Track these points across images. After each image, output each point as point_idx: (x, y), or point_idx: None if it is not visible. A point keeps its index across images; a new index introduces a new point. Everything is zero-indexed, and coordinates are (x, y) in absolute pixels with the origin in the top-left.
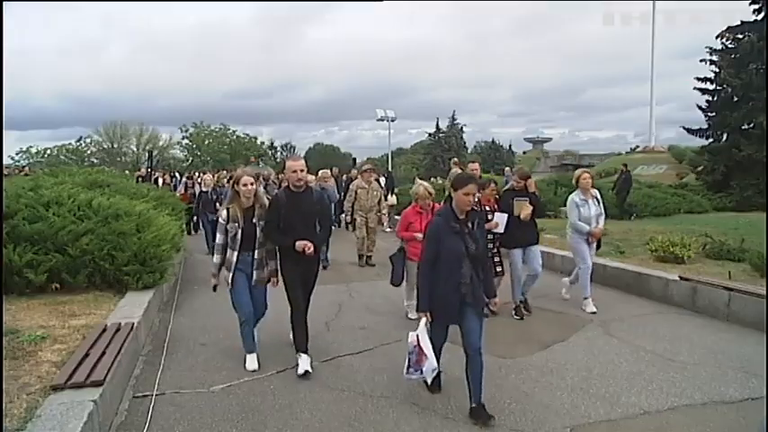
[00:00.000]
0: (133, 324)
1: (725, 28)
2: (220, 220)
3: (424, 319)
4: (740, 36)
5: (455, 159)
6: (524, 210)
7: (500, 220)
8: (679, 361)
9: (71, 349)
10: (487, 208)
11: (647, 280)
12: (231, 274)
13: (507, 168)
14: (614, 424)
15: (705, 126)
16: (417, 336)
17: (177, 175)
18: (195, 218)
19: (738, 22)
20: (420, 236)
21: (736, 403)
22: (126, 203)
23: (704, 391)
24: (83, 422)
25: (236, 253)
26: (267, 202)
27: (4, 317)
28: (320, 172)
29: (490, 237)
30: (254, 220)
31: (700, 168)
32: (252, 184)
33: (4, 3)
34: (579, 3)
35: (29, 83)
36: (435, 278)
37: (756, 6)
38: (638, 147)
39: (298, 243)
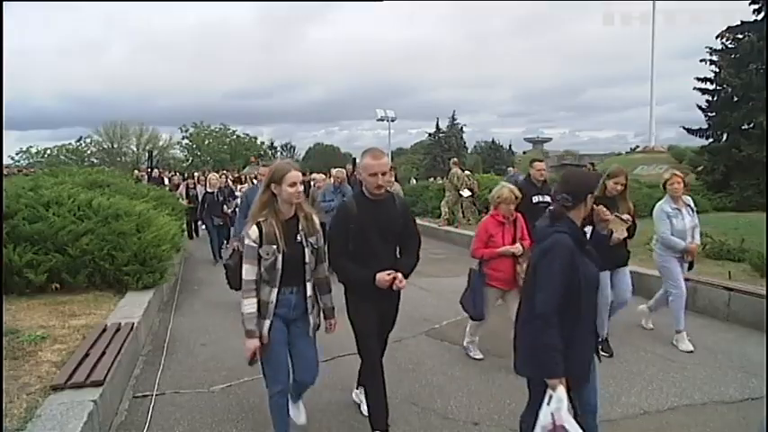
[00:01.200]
0: (133, 324)
1: (725, 28)
2: (248, 242)
3: (560, 389)
4: (740, 36)
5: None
6: (618, 230)
7: None
8: (679, 361)
9: (71, 349)
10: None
11: (647, 280)
12: (268, 323)
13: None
14: (614, 424)
15: (705, 126)
16: (553, 414)
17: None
18: (198, 222)
19: (738, 22)
20: (513, 249)
21: (736, 403)
22: (126, 203)
23: (704, 391)
24: (83, 422)
25: (274, 291)
26: (312, 212)
27: (4, 317)
28: (335, 171)
29: None
30: (298, 238)
31: (700, 168)
32: (302, 183)
33: (4, 3)
34: (579, 3)
35: (29, 83)
36: (568, 326)
37: (756, 6)
38: (638, 147)
39: (379, 276)
